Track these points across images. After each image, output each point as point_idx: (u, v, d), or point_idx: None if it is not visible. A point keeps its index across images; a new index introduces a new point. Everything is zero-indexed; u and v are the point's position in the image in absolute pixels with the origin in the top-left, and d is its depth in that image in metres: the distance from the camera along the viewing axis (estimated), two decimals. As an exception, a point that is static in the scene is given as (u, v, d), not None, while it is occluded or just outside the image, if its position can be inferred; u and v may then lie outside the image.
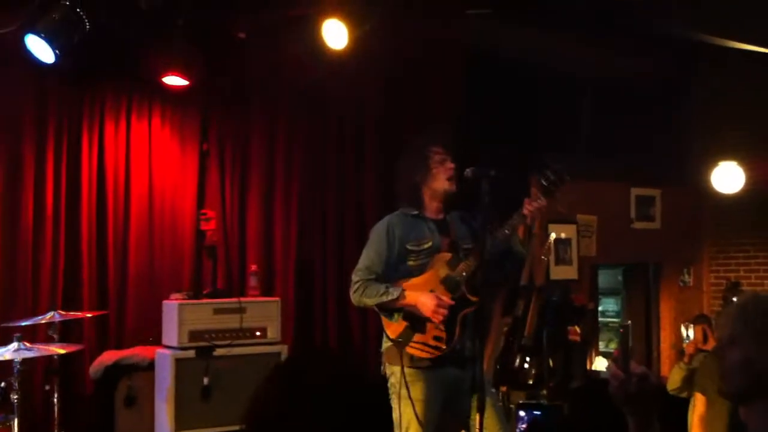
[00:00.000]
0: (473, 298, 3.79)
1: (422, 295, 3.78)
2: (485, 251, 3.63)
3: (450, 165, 3.90)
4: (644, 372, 1.94)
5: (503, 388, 5.70)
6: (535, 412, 2.18)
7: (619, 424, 2.01)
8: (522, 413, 2.21)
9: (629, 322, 7.83)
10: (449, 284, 3.82)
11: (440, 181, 3.91)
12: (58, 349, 4.53)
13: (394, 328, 3.87)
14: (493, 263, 3.78)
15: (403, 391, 3.75)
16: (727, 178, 7.47)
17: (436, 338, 3.79)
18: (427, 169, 3.92)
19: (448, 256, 3.86)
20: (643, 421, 1.97)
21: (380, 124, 6.47)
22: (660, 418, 2.00)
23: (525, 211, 3.76)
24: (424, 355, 3.79)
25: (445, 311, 3.74)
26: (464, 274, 3.79)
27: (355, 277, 3.90)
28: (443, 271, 3.84)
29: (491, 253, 3.71)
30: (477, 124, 6.43)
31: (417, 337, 3.81)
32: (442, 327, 3.78)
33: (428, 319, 3.78)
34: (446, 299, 3.76)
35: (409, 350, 3.81)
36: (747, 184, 7.52)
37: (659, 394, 2.02)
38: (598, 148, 7.36)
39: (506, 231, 3.79)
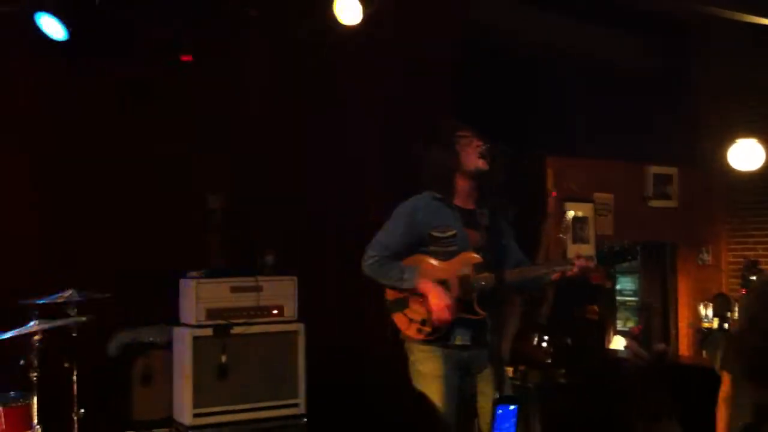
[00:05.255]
0: (479, 311, 3.73)
1: (436, 290, 3.72)
2: (500, 231, 3.75)
3: (478, 142, 3.84)
4: (664, 350, 1.93)
5: (521, 367, 5.69)
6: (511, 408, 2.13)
7: (633, 401, 2.00)
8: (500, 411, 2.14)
9: (652, 303, 7.78)
10: (464, 285, 3.76)
11: (471, 160, 3.82)
12: (79, 317, 4.59)
13: (394, 291, 3.85)
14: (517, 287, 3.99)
15: (421, 368, 3.75)
16: (746, 155, 7.38)
17: (423, 322, 3.76)
18: (456, 153, 3.85)
19: (478, 259, 3.77)
20: (659, 395, 1.97)
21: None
22: (682, 395, 1.98)
23: (575, 268, 3.68)
24: (407, 331, 3.80)
25: (447, 318, 3.70)
26: (483, 283, 3.71)
27: (371, 251, 3.85)
28: (466, 270, 3.76)
29: (524, 284, 3.94)
30: (480, 109, 6.39)
31: (409, 311, 3.80)
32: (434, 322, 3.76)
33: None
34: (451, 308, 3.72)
35: (395, 317, 3.83)
36: (766, 161, 7.42)
37: (672, 371, 2.00)
38: (610, 130, 7.32)
39: (545, 271, 3.82)
